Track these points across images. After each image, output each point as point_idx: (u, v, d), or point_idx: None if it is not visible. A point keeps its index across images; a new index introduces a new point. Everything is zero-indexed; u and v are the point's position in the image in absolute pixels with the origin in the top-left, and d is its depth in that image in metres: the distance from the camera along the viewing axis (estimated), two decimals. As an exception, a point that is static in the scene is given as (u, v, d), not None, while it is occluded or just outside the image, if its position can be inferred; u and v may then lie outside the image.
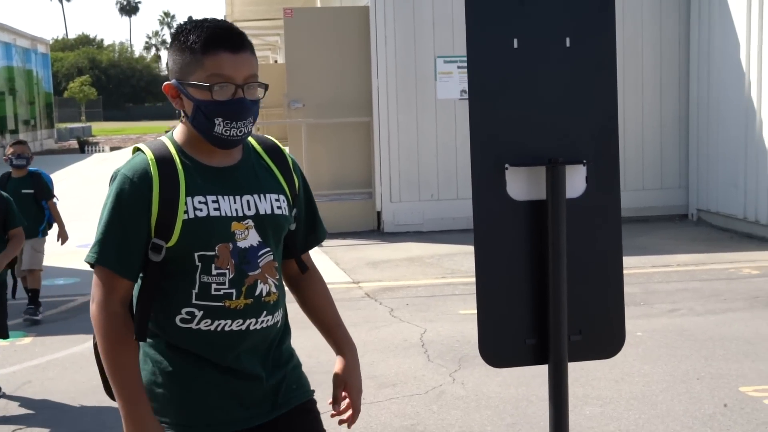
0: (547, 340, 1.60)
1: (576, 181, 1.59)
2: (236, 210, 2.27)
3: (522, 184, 1.58)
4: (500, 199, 1.57)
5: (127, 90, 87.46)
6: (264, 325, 2.32)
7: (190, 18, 2.30)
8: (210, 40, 2.20)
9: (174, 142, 2.32)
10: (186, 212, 2.21)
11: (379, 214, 11.61)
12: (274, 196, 2.34)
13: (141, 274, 2.28)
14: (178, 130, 2.35)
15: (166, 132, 2.47)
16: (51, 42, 50.82)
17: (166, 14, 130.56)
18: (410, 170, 11.48)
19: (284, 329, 2.44)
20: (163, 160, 2.25)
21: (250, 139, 2.40)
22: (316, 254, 10.42)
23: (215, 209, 2.24)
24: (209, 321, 2.25)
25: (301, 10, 13.28)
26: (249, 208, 2.30)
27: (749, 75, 10.64)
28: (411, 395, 5.55)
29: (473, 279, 6.00)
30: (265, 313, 2.31)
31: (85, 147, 35.79)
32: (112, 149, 36.19)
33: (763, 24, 10.33)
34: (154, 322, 2.29)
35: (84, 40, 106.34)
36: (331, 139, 11.77)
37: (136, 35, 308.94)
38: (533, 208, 1.59)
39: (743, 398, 5.32)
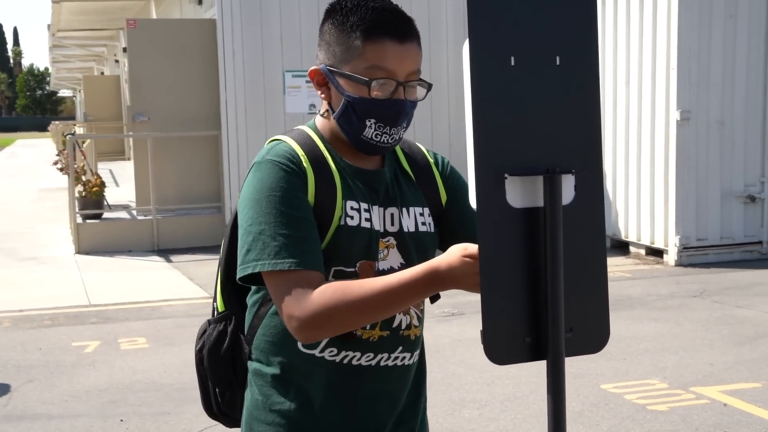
0: (541, 338, 1.72)
1: (566, 189, 1.72)
2: (380, 224, 1.95)
3: (520, 192, 1.70)
4: (501, 208, 1.68)
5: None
6: (398, 362, 1.99)
7: None
8: (375, 25, 1.86)
9: (320, 136, 1.97)
10: (341, 217, 1.89)
11: (228, 228, 11.52)
12: (418, 210, 2.01)
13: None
14: (321, 122, 1.99)
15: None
16: None
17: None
18: (260, 184, 11.45)
19: (419, 372, 2.10)
20: (313, 154, 1.92)
21: None
22: (166, 270, 10.26)
23: (366, 219, 1.92)
24: (335, 350, 1.92)
25: (146, 22, 13.03)
26: (392, 224, 1.97)
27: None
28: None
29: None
30: (401, 348, 1.98)
31: None
32: None
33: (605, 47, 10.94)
34: (273, 344, 1.96)
35: None
36: (178, 153, 11.60)
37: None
38: (529, 215, 1.70)
39: (606, 395, 5.65)
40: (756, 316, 7.56)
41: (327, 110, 1.96)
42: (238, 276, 1.86)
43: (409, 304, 1.80)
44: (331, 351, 1.93)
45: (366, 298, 1.74)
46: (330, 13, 1.93)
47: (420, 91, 1.95)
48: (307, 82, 11.52)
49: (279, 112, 11.49)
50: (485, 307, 1.62)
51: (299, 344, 1.92)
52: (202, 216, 11.61)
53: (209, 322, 2.12)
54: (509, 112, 1.66)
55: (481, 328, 1.66)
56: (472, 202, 1.82)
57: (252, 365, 2.01)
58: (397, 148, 2.07)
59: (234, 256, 1.97)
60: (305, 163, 1.88)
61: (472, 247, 1.73)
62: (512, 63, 1.66)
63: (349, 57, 1.87)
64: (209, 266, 10.31)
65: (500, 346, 1.65)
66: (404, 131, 1.95)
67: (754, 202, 10.14)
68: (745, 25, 9.98)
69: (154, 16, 17.44)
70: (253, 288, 2.00)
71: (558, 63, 1.70)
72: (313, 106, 11.54)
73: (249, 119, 11.41)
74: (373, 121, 1.88)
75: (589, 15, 1.72)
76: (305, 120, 11.43)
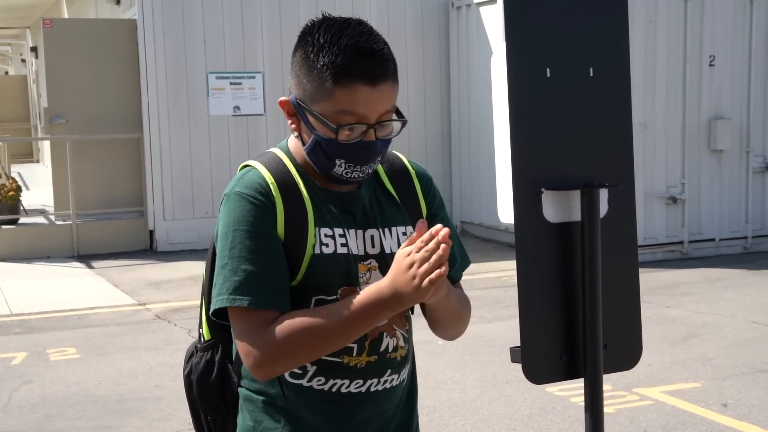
0: (576, 356, 1.69)
1: (600, 203, 1.70)
2: (360, 247, 1.90)
3: (555, 207, 1.66)
4: (537, 222, 1.64)
5: None
6: (387, 385, 1.94)
7: (324, 17, 1.82)
8: (346, 70, 1.76)
9: (292, 159, 1.91)
10: (314, 246, 1.83)
11: (151, 232, 11.27)
12: (400, 229, 1.93)
13: None
14: (294, 145, 1.93)
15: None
16: None
17: None
18: (184, 187, 11.24)
19: (410, 388, 2.04)
20: (284, 181, 1.85)
21: None
22: (88, 276, 9.95)
23: (342, 245, 1.86)
24: (322, 379, 1.88)
25: (63, 21, 12.66)
26: (373, 246, 1.91)
27: (507, 95, 11.36)
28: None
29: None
30: (389, 371, 1.93)
31: None
32: None
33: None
34: None
35: None
36: (98, 157, 11.28)
37: None
38: (564, 230, 1.67)
39: (552, 398, 5.69)
40: (685, 316, 7.72)
41: (298, 137, 1.90)
42: (210, 313, 1.87)
43: (367, 330, 1.80)
44: (319, 380, 1.90)
45: (322, 334, 1.75)
46: (302, 43, 1.84)
47: (395, 127, 1.87)
48: (231, 83, 11.35)
49: (202, 114, 11.27)
50: (524, 325, 1.58)
51: (287, 374, 1.89)
52: (123, 220, 11.32)
53: (196, 348, 2.09)
54: (545, 125, 1.63)
55: (514, 346, 1.63)
56: (503, 216, 1.78)
57: (242, 391, 1.97)
58: (379, 167, 2.00)
59: None
60: (274, 192, 1.84)
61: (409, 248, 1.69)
62: (548, 75, 1.64)
63: (318, 97, 1.80)
64: (134, 272, 10.06)
65: (539, 365, 1.62)
66: (377, 164, 1.90)
67: (675, 203, 10.38)
68: (664, 30, 10.21)
69: (66, 16, 16.94)
70: None
71: (591, 74, 1.68)
72: (237, 108, 11.36)
73: (172, 121, 11.16)
74: (342, 161, 1.83)
75: (621, 26, 1.70)
76: (229, 123, 11.31)
